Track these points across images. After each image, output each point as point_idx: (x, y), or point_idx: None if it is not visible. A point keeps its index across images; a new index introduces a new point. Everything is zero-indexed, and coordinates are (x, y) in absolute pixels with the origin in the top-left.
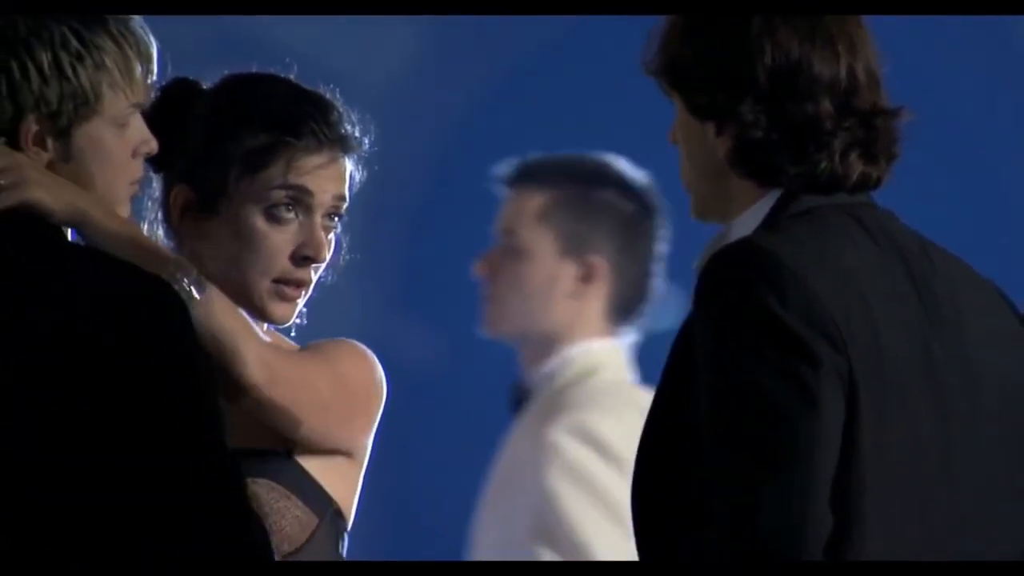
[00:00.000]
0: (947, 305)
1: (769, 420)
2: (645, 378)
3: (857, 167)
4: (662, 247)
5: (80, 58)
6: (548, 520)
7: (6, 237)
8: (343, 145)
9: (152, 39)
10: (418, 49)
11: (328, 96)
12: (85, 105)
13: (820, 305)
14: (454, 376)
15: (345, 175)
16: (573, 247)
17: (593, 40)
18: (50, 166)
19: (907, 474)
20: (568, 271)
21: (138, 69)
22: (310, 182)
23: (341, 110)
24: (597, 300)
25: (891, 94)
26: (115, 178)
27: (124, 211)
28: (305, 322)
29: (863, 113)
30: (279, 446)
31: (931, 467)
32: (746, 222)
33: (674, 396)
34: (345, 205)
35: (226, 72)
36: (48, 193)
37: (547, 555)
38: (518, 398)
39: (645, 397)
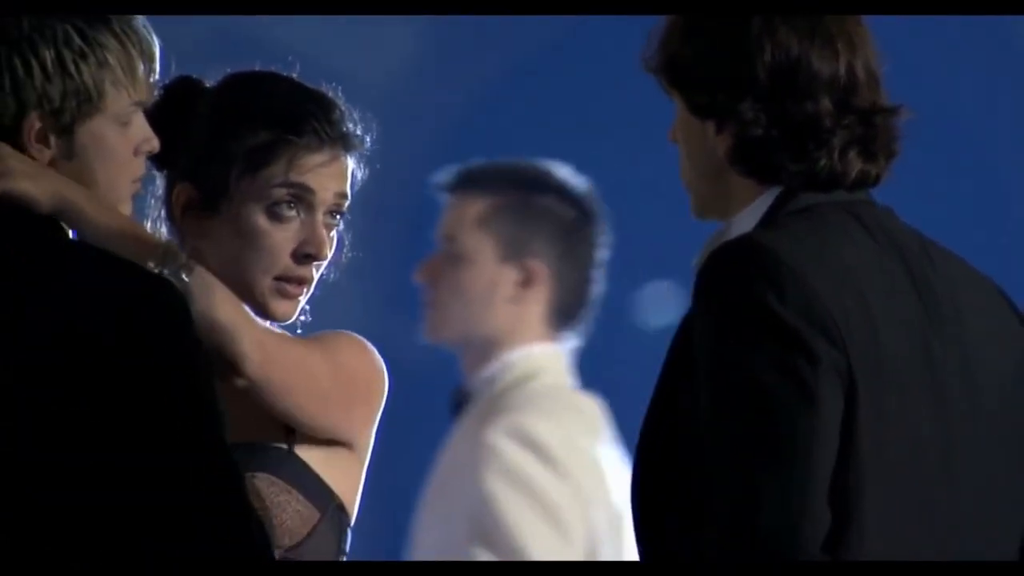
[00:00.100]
0: (947, 303)
1: (768, 417)
2: (645, 377)
3: (856, 165)
4: (602, 253)
5: (83, 56)
6: (485, 522)
7: (6, 236)
8: (345, 143)
9: (154, 38)
10: (418, 49)
11: (330, 94)
12: (88, 103)
13: (819, 302)
14: (454, 375)
15: (347, 173)
16: (513, 252)
17: (593, 40)
18: (53, 163)
19: (906, 472)
20: (508, 276)
21: (141, 67)
22: (312, 180)
23: (343, 108)
24: (537, 305)
25: (891, 93)
26: (117, 176)
27: (126, 209)
28: (308, 319)
29: (862, 111)
30: (280, 440)
31: (930, 466)
32: (745, 220)
33: (673, 393)
34: (347, 203)
35: (228, 71)
36: (33, 183)
37: (484, 557)
38: (458, 402)
39: (585, 401)
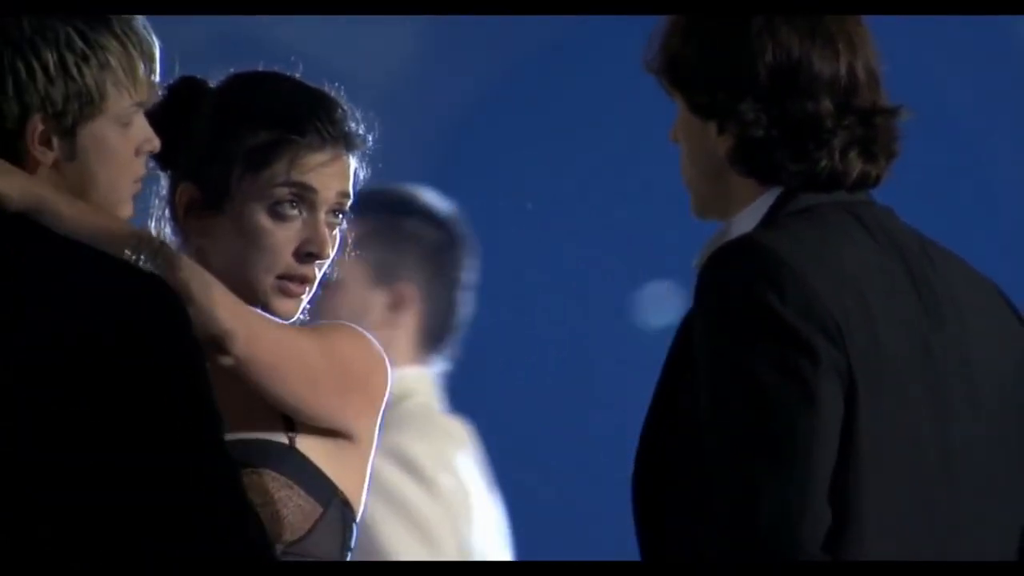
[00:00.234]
0: (946, 303)
1: (768, 416)
2: (645, 376)
3: (857, 165)
4: (469, 276)
5: (85, 58)
6: (361, 541)
7: (6, 237)
8: (347, 142)
9: (155, 38)
10: (418, 49)
11: (332, 93)
12: (90, 104)
13: (819, 302)
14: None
15: (349, 172)
16: (383, 276)
17: (593, 40)
18: (55, 165)
19: (906, 472)
20: (378, 299)
21: (141, 68)
22: (313, 179)
23: (345, 107)
24: (407, 328)
25: (891, 93)
26: (118, 176)
27: (127, 209)
28: (307, 318)
29: (863, 112)
30: (281, 436)
31: (930, 465)
32: (746, 220)
33: (673, 393)
34: (349, 202)
35: (230, 71)
36: (4, 181)
37: None
38: None
39: (452, 424)
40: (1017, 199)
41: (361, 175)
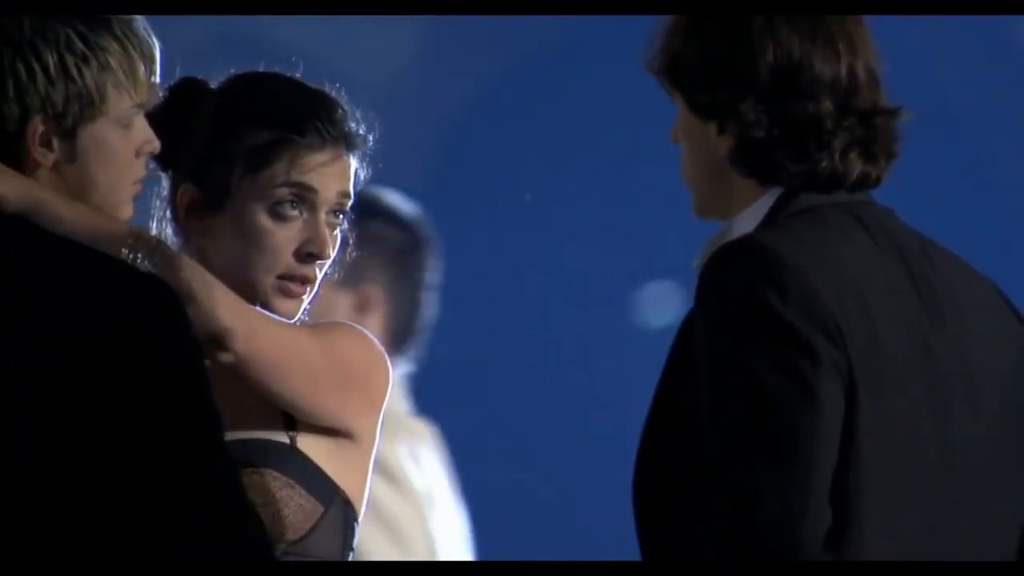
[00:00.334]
0: (947, 303)
1: (769, 416)
2: (646, 376)
3: (857, 166)
4: (433, 278)
5: (85, 60)
6: None
7: (6, 237)
8: (347, 142)
9: (155, 40)
10: (418, 49)
11: (332, 93)
12: (90, 106)
13: (820, 301)
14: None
15: (349, 172)
16: (348, 278)
17: (593, 40)
18: (56, 166)
19: (906, 471)
20: (344, 301)
21: (141, 69)
22: (314, 179)
23: (345, 107)
24: (372, 329)
25: (891, 93)
26: (119, 177)
27: (127, 210)
28: (307, 319)
29: (863, 112)
30: (283, 435)
31: (930, 465)
32: (746, 220)
33: (674, 393)
34: (350, 202)
35: (230, 72)
36: (2, 183)
37: None
38: None
39: (418, 425)
40: (1017, 199)
41: (362, 175)
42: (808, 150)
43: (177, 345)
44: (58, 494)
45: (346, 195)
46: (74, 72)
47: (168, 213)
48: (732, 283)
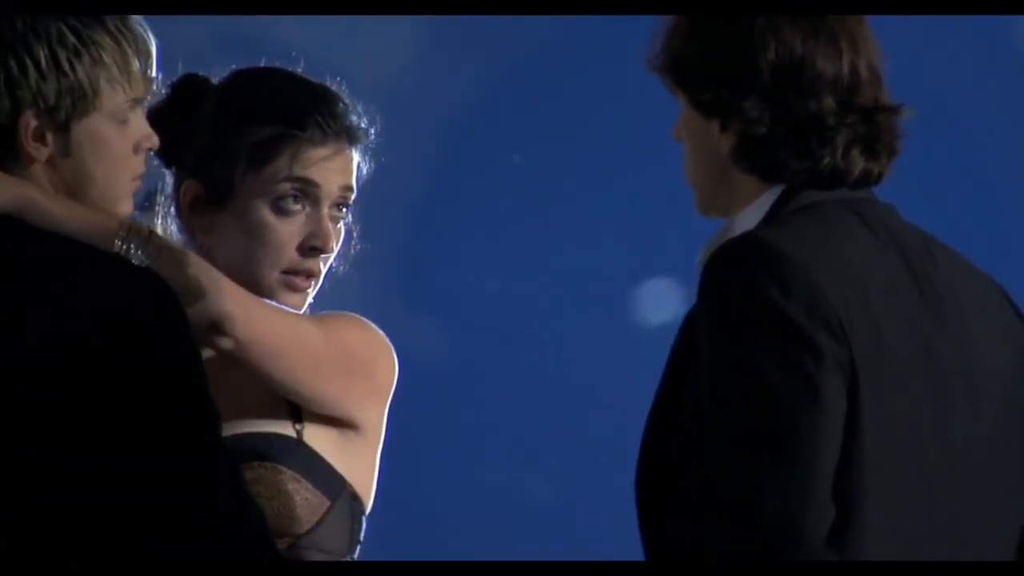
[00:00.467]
0: (948, 300)
1: (771, 411)
2: (647, 374)
3: (859, 163)
4: None
5: (77, 53)
6: None
7: (5, 237)
8: (349, 136)
9: (151, 35)
10: (418, 49)
11: (333, 88)
12: (83, 100)
13: (822, 297)
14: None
15: (351, 166)
16: None
17: (593, 40)
18: (50, 161)
19: (907, 469)
20: None
21: (136, 64)
22: (316, 174)
23: (346, 101)
24: None
25: (891, 94)
26: (116, 173)
27: (126, 206)
28: (310, 313)
29: (865, 110)
30: (288, 429)
31: (931, 463)
32: (749, 217)
33: (677, 390)
34: (353, 196)
35: (232, 68)
36: None
37: None
38: None
39: None
40: (1017, 199)
41: (364, 169)
42: (810, 147)
43: (176, 345)
44: (58, 494)
45: (348, 188)
46: (66, 66)
47: (173, 210)
48: (734, 279)
